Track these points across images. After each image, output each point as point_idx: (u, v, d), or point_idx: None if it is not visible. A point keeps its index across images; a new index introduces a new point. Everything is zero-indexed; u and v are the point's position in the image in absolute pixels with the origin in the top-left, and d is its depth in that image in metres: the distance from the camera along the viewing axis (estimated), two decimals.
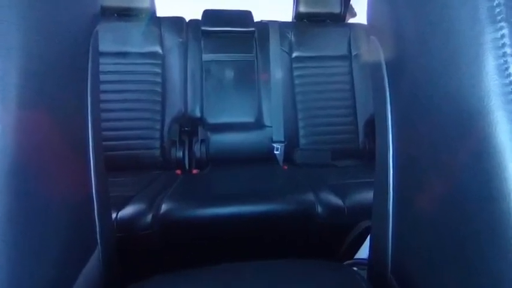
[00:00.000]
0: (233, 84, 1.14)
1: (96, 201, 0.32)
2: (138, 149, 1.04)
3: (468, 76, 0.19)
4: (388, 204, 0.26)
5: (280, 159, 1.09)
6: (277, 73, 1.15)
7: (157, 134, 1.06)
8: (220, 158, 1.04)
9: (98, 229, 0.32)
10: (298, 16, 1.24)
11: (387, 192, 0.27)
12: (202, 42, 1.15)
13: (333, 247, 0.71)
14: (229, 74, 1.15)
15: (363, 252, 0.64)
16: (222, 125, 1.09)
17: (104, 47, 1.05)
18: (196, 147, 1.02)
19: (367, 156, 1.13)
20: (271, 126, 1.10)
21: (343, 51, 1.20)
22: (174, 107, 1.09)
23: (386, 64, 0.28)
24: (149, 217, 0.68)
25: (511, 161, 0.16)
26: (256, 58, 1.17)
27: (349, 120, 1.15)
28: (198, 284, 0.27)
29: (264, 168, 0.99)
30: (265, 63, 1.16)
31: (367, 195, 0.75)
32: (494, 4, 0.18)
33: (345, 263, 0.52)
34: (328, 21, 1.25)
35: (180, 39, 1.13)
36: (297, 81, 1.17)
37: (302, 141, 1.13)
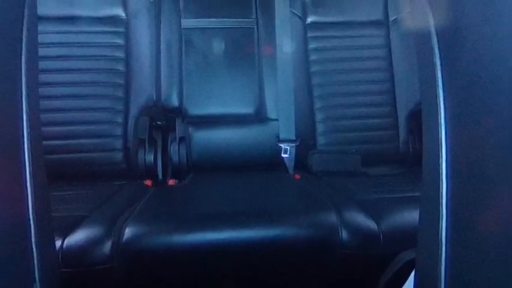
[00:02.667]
0: (224, 60, 1.14)
1: (34, 224, 0.32)
2: (93, 151, 1.04)
3: None
4: (440, 228, 0.27)
5: (291, 165, 1.09)
6: (286, 46, 1.16)
7: (118, 130, 1.06)
8: (206, 163, 1.04)
9: (35, 262, 0.32)
10: None
11: (439, 211, 0.27)
12: (181, 2, 1.16)
13: (364, 286, 0.71)
14: (218, 46, 1.15)
15: None
16: (208, 118, 1.10)
17: (44, 10, 1.05)
18: (173, 149, 1.03)
19: (411, 161, 1.13)
20: (277, 120, 1.10)
21: (378, 15, 1.20)
22: (143, 92, 1.09)
23: (437, 33, 0.28)
24: (107, 245, 0.68)
25: None
26: (257, 24, 1.17)
27: (386, 112, 1.16)
28: None
29: (268, 177, 0.99)
30: (270, 32, 1.16)
31: (411, 216, 0.75)
32: None
33: None
34: None
35: None
36: (313, 57, 1.18)
37: (321, 140, 1.14)
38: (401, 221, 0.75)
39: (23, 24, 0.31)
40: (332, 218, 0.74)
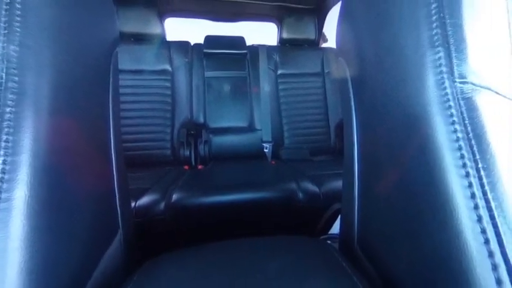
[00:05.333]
0: (230, 95, 1.14)
1: (118, 193, 0.31)
2: (153, 149, 1.02)
3: (414, 89, 0.19)
4: (354, 189, 0.27)
5: (269, 156, 1.09)
6: (266, 87, 1.16)
7: (168, 137, 1.05)
8: (220, 156, 1.03)
9: (119, 216, 0.32)
10: (282, 41, 1.25)
11: (353, 180, 0.27)
12: (204, 61, 1.15)
13: (311, 225, 0.72)
14: (226, 87, 1.15)
15: (335, 228, 0.65)
16: (221, 129, 1.09)
17: (123, 65, 1.03)
18: (201, 147, 1.02)
19: (338, 153, 1.14)
20: (261, 130, 1.10)
21: (318, 69, 1.22)
22: (182, 114, 1.08)
23: (351, 80, 0.28)
24: (162, 205, 0.66)
25: (447, 154, 0.16)
26: (249, 75, 1.17)
27: (323, 124, 1.17)
28: (200, 258, 0.27)
29: (256, 163, 0.99)
30: (256, 79, 1.16)
31: (338, 183, 0.76)
32: (433, 33, 0.18)
33: (321, 237, 0.53)
34: (305, 45, 1.27)
35: (186, 59, 1.12)
36: (281, 93, 1.18)
37: (286, 141, 1.14)
38: (332, 186, 0.76)
39: (110, 74, 0.30)
40: (293, 185, 0.75)
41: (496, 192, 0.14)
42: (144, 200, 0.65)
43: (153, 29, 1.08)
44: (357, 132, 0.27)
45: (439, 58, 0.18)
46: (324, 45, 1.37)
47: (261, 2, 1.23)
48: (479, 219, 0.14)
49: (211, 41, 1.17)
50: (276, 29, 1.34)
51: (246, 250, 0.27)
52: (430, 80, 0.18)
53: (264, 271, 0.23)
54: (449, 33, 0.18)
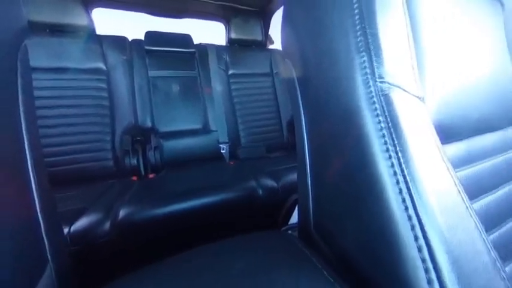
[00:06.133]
0: (180, 96, 1.07)
1: (42, 220, 0.25)
2: (89, 161, 0.86)
3: (348, 88, 0.22)
4: (307, 180, 0.29)
5: (227, 156, 1.08)
6: (218, 87, 1.14)
7: (108, 145, 0.90)
8: (174, 161, 0.96)
9: (47, 247, 0.26)
10: (231, 41, 1.26)
11: (306, 171, 0.29)
12: (147, 60, 1.04)
13: (272, 218, 0.75)
14: (175, 88, 1.07)
15: (294, 218, 0.70)
16: (173, 133, 1.01)
17: (37, 62, 0.83)
18: (151, 154, 0.92)
19: (291, 148, 1.21)
20: (216, 131, 1.08)
21: (267, 70, 1.27)
22: (124, 119, 0.95)
23: (297, 80, 0.30)
24: (107, 225, 0.57)
25: (375, 141, 0.20)
26: (199, 75, 1.13)
27: (276, 122, 1.23)
28: (160, 276, 0.25)
29: (214, 165, 0.96)
30: (207, 79, 1.13)
31: (294, 176, 0.82)
32: (358, 40, 0.22)
33: (282, 229, 0.56)
34: (253, 46, 1.30)
35: (124, 57, 0.99)
36: (234, 93, 1.18)
37: (243, 140, 1.15)
38: (289, 179, 0.81)
39: (17, 72, 0.24)
40: (252, 183, 0.76)
41: (410, 169, 0.18)
42: (82, 222, 0.55)
43: (77, 19, 0.91)
44: (306, 128, 0.29)
45: (364, 61, 0.21)
46: (271, 46, 1.44)
47: (206, 0, 1.20)
48: (400, 191, 0.18)
49: (154, 37, 1.07)
50: (224, 29, 1.33)
51: (208, 257, 0.26)
52: (359, 80, 0.21)
53: (229, 274, 0.23)
54: (370, 41, 0.21)
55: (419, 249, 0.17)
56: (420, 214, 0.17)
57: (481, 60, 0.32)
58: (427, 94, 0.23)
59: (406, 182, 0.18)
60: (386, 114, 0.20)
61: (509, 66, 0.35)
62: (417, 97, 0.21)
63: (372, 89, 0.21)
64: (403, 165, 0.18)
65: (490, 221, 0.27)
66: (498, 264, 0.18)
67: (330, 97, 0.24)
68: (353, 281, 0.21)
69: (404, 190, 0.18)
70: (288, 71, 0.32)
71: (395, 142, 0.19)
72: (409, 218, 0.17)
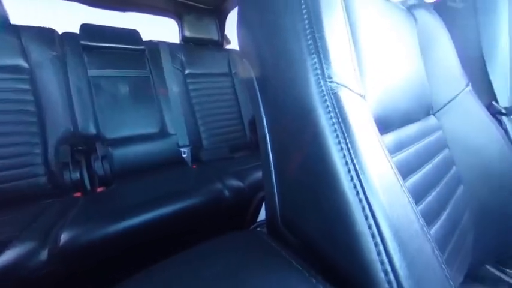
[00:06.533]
0: (130, 98, 0.96)
1: None
2: (12, 180, 0.70)
3: (303, 87, 0.24)
4: (272, 176, 0.30)
5: (189, 160, 1.03)
6: (174, 87, 1.07)
7: (38, 159, 0.75)
8: (128, 171, 0.86)
9: None
10: (185, 39, 1.20)
11: (270, 168, 0.30)
12: (85, 57, 0.90)
13: (241, 218, 0.75)
14: (123, 89, 0.96)
15: (262, 215, 0.71)
16: (124, 139, 0.90)
17: None
18: (97, 165, 0.80)
19: (254, 147, 1.23)
20: (175, 134, 1.01)
21: (225, 69, 1.26)
22: (59, 126, 0.80)
23: (256, 80, 0.31)
24: (44, 254, 0.48)
25: (328, 135, 0.22)
26: (151, 74, 1.04)
27: (238, 122, 1.22)
28: None
29: (175, 171, 0.90)
30: (161, 79, 1.05)
31: (259, 174, 0.84)
32: (309, 43, 0.24)
33: (251, 227, 0.56)
34: (210, 46, 1.27)
35: (54, 53, 0.83)
36: (192, 94, 1.13)
37: (205, 142, 1.11)
38: (254, 178, 0.81)
39: None
40: (219, 185, 0.75)
41: (358, 158, 0.21)
42: (8, 256, 0.45)
43: None
44: (267, 126, 0.30)
45: (315, 63, 0.23)
46: (228, 46, 1.44)
47: None
48: (352, 179, 0.20)
49: (92, 31, 0.93)
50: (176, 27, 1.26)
51: (176, 268, 0.25)
52: (312, 80, 0.23)
53: (198, 283, 0.22)
54: (319, 44, 0.23)
55: (370, 227, 0.19)
56: (368, 196, 0.20)
57: (402, 64, 0.39)
58: (366, 92, 0.27)
59: (355, 170, 0.20)
60: (337, 111, 0.22)
61: (422, 70, 0.44)
62: (359, 95, 0.25)
63: (323, 88, 0.23)
64: (352, 155, 0.21)
65: (417, 195, 0.33)
66: (425, 229, 0.22)
67: (287, 96, 0.26)
68: (319, 266, 0.23)
69: (355, 177, 0.20)
70: (247, 71, 0.32)
71: (345, 135, 0.21)
72: (360, 200, 0.20)
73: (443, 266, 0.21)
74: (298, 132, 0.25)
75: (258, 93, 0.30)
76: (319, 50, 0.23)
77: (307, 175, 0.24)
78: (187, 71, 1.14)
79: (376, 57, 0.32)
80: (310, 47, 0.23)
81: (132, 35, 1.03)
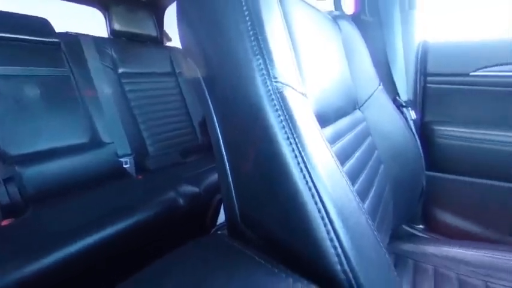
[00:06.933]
0: (43, 103, 0.77)
1: None
2: None
3: (251, 87, 0.25)
4: (228, 176, 0.30)
5: (132, 171, 0.91)
6: (106, 89, 0.92)
7: None
8: (48, 193, 0.69)
9: None
10: (114, 33, 1.05)
11: (226, 168, 0.30)
12: None
13: (200, 223, 0.72)
14: (32, 91, 0.76)
15: (222, 217, 0.70)
16: (39, 154, 0.72)
17: None
18: (0, 190, 0.62)
19: (207, 149, 1.19)
20: (113, 142, 0.88)
21: (168, 69, 1.17)
22: None
23: (203, 79, 0.30)
24: None
25: (278, 132, 0.23)
26: (72, 73, 0.86)
27: (187, 124, 1.16)
28: None
29: (116, 185, 0.78)
30: (86, 79, 0.88)
31: (215, 177, 0.82)
32: (253, 44, 0.25)
33: (211, 231, 0.55)
34: (148, 42, 1.16)
35: None
36: (130, 96, 1.00)
37: (151, 149, 1.01)
38: (210, 181, 0.80)
39: None
40: (171, 194, 0.69)
41: (305, 151, 0.23)
42: None
43: None
44: (218, 126, 0.30)
45: (260, 64, 0.24)
46: (169, 44, 1.34)
47: None
48: (301, 170, 0.22)
49: None
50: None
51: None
52: (259, 80, 0.24)
53: None
54: (262, 45, 0.24)
55: (319, 211, 0.22)
56: (316, 183, 0.22)
57: (333, 67, 0.45)
58: (307, 91, 0.30)
59: (304, 162, 0.23)
60: (283, 109, 0.24)
61: (348, 72, 0.52)
62: (302, 94, 0.27)
63: (270, 88, 0.24)
64: (300, 149, 0.23)
65: (352, 177, 0.39)
66: (360, 205, 0.26)
67: (236, 95, 0.26)
68: (280, 255, 0.25)
69: (304, 168, 0.22)
70: (192, 70, 0.31)
71: (292, 131, 0.23)
72: (310, 188, 0.22)
73: (374, 233, 0.26)
74: (249, 130, 0.26)
75: (207, 93, 0.30)
76: (263, 52, 0.24)
77: (262, 170, 0.25)
78: (120, 70, 1.00)
79: (312, 60, 0.36)
80: (255, 48, 0.24)
81: (40, 25, 0.83)
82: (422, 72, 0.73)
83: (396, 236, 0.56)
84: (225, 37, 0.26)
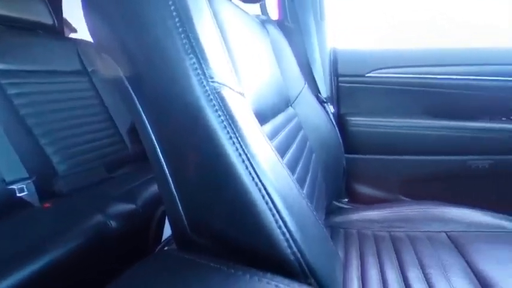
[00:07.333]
0: None
1: None
2: None
3: (187, 87, 0.23)
4: (170, 184, 0.28)
5: (35, 199, 0.70)
6: None
7: None
8: None
9: None
10: None
11: (166, 177, 0.28)
12: None
13: (143, 243, 0.63)
14: None
15: (168, 231, 0.64)
16: None
17: None
18: None
19: (141, 158, 1.04)
20: None
21: (77, 66, 0.95)
22: None
23: (127, 79, 0.26)
24: None
25: (220, 133, 0.23)
26: None
27: (112, 133, 0.97)
28: None
29: (11, 222, 0.58)
30: None
31: (154, 188, 0.73)
32: (184, 42, 0.23)
33: (157, 249, 0.49)
34: (40, 31, 0.90)
35: None
36: (18, 101, 0.75)
37: (60, 167, 0.78)
38: (149, 193, 0.71)
39: None
40: (98, 218, 0.58)
41: (248, 149, 0.24)
42: None
43: None
44: (153, 131, 0.27)
45: (194, 63, 0.23)
46: (74, 36, 1.09)
47: None
48: (247, 167, 0.23)
49: None
50: None
51: None
52: (194, 80, 0.23)
53: None
54: (194, 44, 0.23)
55: (267, 203, 0.23)
56: (261, 178, 0.23)
57: (266, 67, 0.48)
58: (244, 91, 0.30)
59: (248, 159, 0.23)
60: (223, 109, 0.24)
61: (278, 72, 0.57)
62: (240, 93, 0.28)
63: (207, 88, 0.23)
64: (244, 147, 0.24)
65: (291, 167, 0.43)
66: (300, 191, 0.30)
67: (170, 96, 0.24)
68: (235, 255, 0.25)
69: (249, 165, 0.23)
70: (111, 68, 0.27)
71: (235, 130, 0.24)
72: (256, 184, 0.23)
73: (314, 213, 0.30)
74: (189, 133, 0.25)
75: (133, 95, 0.26)
76: (196, 51, 0.23)
77: (207, 173, 0.25)
78: (0, 67, 0.74)
79: (245, 60, 0.38)
80: (186, 46, 0.23)
81: None
82: (335, 73, 0.89)
83: (329, 212, 0.66)
84: (150, 33, 0.23)
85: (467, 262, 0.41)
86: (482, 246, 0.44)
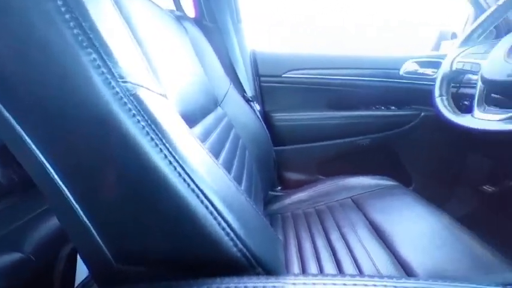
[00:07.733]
0: None
1: None
2: None
3: (90, 88, 0.19)
4: (78, 214, 0.22)
5: None
6: None
7: None
8: None
9: None
10: None
11: (71, 204, 0.22)
12: None
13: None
14: None
15: (82, 273, 0.50)
16: None
17: None
18: None
19: (19, 187, 0.77)
20: None
21: None
22: None
23: None
24: None
25: (142, 140, 0.20)
26: None
27: None
28: None
29: None
30: None
31: (47, 224, 0.55)
32: (75, 33, 0.18)
33: None
34: None
35: None
36: None
37: None
38: (41, 232, 0.53)
39: None
40: None
41: (179, 154, 0.22)
42: None
43: None
44: (40, 149, 0.20)
45: (95, 59, 0.19)
46: None
47: None
48: (180, 174, 0.21)
49: None
50: None
51: None
52: (96, 79, 0.19)
53: None
54: (91, 36, 0.19)
55: (207, 207, 0.22)
56: (198, 184, 0.22)
57: (188, 67, 0.46)
58: (166, 92, 0.28)
59: (180, 166, 0.22)
60: (142, 113, 0.21)
61: (202, 71, 0.56)
62: (161, 94, 0.25)
63: (118, 89, 0.20)
64: (173, 153, 0.22)
65: (227, 166, 0.43)
66: (238, 188, 0.30)
67: (65, 101, 0.19)
68: (180, 271, 0.23)
69: (182, 172, 0.22)
70: None
71: (160, 136, 0.21)
72: (193, 190, 0.22)
73: (253, 207, 0.31)
74: (100, 144, 0.20)
75: (0, 104, 0.19)
76: (96, 44, 0.19)
77: (131, 188, 0.21)
78: None
79: (163, 59, 0.34)
80: (80, 38, 0.19)
81: None
82: (256, 74, 0.96)
83: (267, 202, 0.72)
84: (22, 20, 0.17)
85: (365, 216, 0.55)
86: (373, 202, 0.60)
